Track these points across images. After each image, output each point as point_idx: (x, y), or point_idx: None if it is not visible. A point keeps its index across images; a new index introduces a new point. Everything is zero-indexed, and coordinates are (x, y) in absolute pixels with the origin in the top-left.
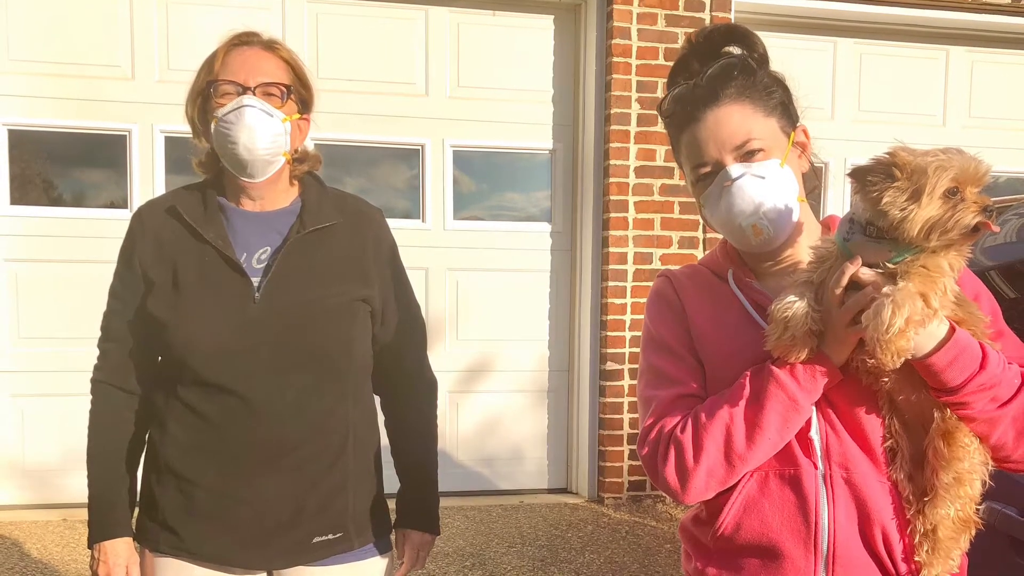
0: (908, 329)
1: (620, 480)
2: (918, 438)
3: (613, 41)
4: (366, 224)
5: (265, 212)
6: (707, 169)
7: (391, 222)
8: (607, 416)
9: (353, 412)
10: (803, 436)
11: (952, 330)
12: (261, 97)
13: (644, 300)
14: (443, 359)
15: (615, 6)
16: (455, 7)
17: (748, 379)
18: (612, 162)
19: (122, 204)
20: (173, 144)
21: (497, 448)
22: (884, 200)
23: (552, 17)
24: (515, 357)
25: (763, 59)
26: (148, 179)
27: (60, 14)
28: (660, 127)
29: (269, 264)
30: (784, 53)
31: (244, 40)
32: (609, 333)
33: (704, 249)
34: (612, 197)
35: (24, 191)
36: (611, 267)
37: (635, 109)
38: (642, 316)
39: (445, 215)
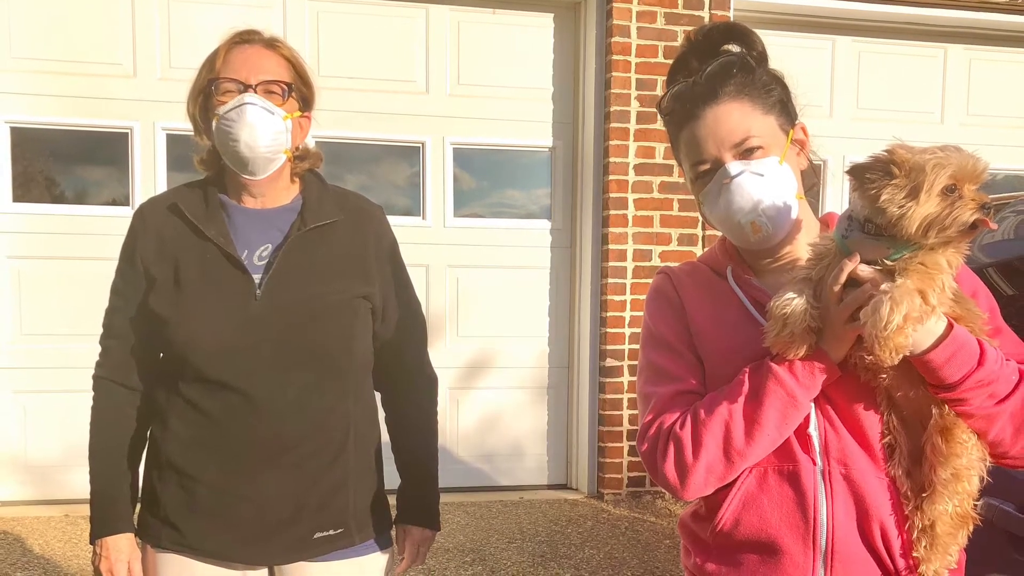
0: (906, 326)
1: (619, 476)
2: (916, 434)
3: (612, 39)
4: (367, 221)
5: (266, 209)
6: (706, 167)
7: (392, 219)
8: (607, 412)
9: (354, 409)
10: (802, 432)
11: (950, 327)
12: (262, 95)
13: (643, 297)
14: (443, 356)
15: (614, 4)
16: (455, 5)
17: (747, 376)
18: (612, 160)
19: (124, 201)
20: (175, 141)
21: (497, 444)
22: (883, 197)
23: (552, 15)
24: (515, 354)
25: (762, 57)
26: (150, 176)
27: (62, 12)
28: (659, 125)
29: (270, 261)
30: (782, 51)
31: (245, 38)
32: (609, 330)
33: (703, 246)
34: (612, 195)
35: (26, 188)
36: (610, 264)
37: (634, 107)
38: (642, 313)
39: (445, 212)
